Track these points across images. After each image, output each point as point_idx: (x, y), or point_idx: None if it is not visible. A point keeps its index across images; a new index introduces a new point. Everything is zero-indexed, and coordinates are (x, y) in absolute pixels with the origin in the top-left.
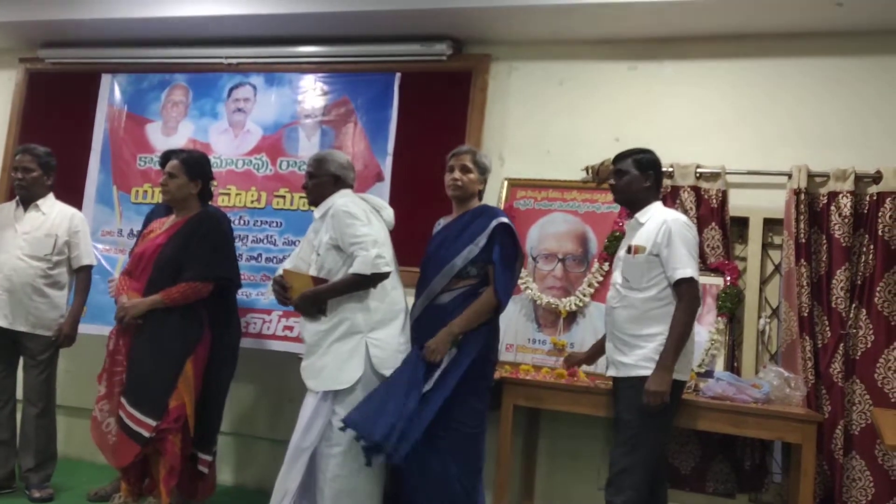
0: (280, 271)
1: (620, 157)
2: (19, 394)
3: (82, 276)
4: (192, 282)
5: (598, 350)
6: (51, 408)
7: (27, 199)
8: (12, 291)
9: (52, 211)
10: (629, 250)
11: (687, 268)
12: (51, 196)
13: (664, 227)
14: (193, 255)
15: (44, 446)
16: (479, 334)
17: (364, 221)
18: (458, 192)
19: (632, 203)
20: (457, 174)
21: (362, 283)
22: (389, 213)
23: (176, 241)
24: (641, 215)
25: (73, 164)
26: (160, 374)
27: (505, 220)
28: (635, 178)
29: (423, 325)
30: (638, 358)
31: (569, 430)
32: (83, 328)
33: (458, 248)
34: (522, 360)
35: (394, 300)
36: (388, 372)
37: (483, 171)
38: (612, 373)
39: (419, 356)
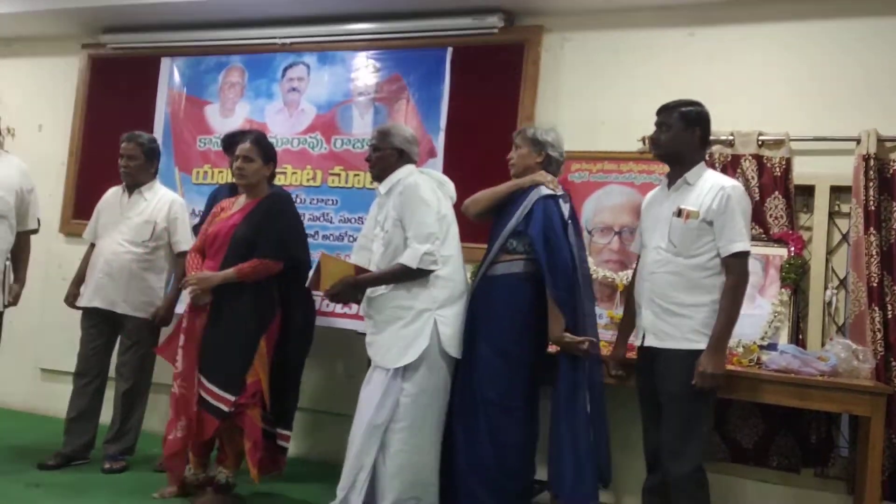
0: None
1: (665, 109)
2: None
3: (181, 261)
4: (264, 259)
5: (627, 335)
6: (140, 386)
7: (132, 186)
8: (111, 275)
9: (155, 197)
10: (679, 213)
11: (744, 241)
12: (155, 182)
13: (722, 193)
14: (267, 234)
15: (124, 421)
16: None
17: (434, 208)
18: (512, 170)
19: (675, 160)
20: (510, 154)
21: (407, 275)
22: (450, 187)
23: (250, 222)
24: (691, 175)
25: None
26: (237, 352)
27: (546, 192)
28: (680, 132)
29: (476, 297)
30: (685, 330)
31: (623, 403)
32: None
33: (506, 221)
34: None
35: (460, 278)
36: (453, 351)
37: (536, 143)
38: (651, 342)
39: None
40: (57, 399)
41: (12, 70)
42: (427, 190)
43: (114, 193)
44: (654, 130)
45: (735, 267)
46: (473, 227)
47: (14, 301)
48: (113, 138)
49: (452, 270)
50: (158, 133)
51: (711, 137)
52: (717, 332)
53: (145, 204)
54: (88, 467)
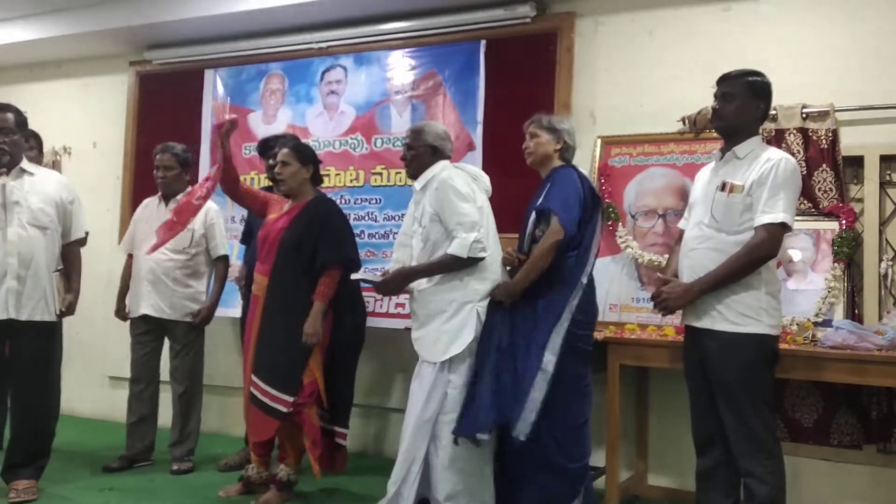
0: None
1: (729, 78)
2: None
3: (220, 265)
4: (329, 270)
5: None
6: (194, 388)
7: (168, 195)
8: (156, 283)
9: None
10: (723, 187)
11: (776, 213)
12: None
13: (767, 165)
14: (321, 241)
15: (185, 423)
16: (558, 297)
17: (470, 199)
18: (529, 158)
19: (735, 133)
20: (525, 143)
21: (457, 265)
22: (486, 180)
23: (297, 226)
24: (741, 149)
25: None
26: (292, 354)
27: (564, 167)
28: (747, 104)
29: None
30: (728, 309)
31: (678, 387)
32: None
33: (530, 212)
34: (627, 320)
35: (499, 270)
36: None
37: (553, 130)
38: (691, 321)
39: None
40: (124, 406)
41: (65, 91)
42: (461, 182)
43: (149, 204)
44: (717, 101)
45: (761, 232)
46: (509, 218)
47: (69, 311)
48: None
49: (492, 262)
50: (206, 144)
51: None
52: (705, 276)
53: None
54: (155, 469)
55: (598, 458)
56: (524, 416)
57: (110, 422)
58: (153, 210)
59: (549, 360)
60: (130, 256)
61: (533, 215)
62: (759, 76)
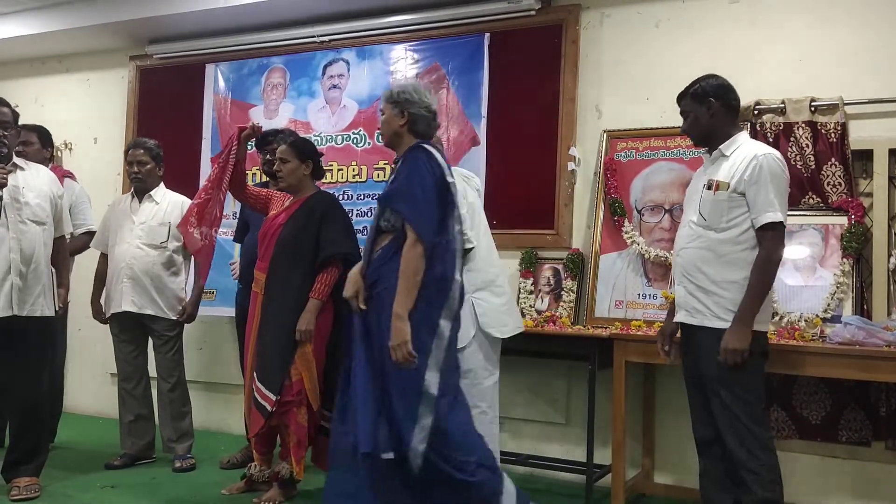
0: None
1: (680, 97)
2: (152, 372)
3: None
4: (326, 268)
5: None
6: (182, 382)
7: (142, 191)
8: (135, 279)
9: (164, 200)
10: (709, 185)
11: (775, 211)
12: (162, 185)
13: (754, 162)
14: (322, 236)
15: (181, 419)
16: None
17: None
18: (382, 140)
19: (707, 139)
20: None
21: None
22: (477, 180)
23: (296, 222)
24: (726, 147)
25: (187, 153)
26: (278, 352)
27: (422, 145)
28: (698, 114)
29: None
30: (716, 307)
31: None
32: (213, 310)
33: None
34: (633, 317)
35: (490, 262)
36: (492, 331)
37: (395, 103)
38: (682, 318)
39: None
40: None
41: (66, 86)
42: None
43: (122, 201)
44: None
45: (765, 240)
46: (514, 214)
47: (62, 305)
48: (164, 146)
49: (483, 255)
50: (207, 138)
51: (762, 106)
52: (741, 305)
53: (157, 207)
54: (157, 466)
55: (604, 457)
56: (413, 445)
57: (112, 419)
58: (126, 208)
59: (432, 381)
60: (102, 255)
61: (380, 203)
62: (700, 82)
